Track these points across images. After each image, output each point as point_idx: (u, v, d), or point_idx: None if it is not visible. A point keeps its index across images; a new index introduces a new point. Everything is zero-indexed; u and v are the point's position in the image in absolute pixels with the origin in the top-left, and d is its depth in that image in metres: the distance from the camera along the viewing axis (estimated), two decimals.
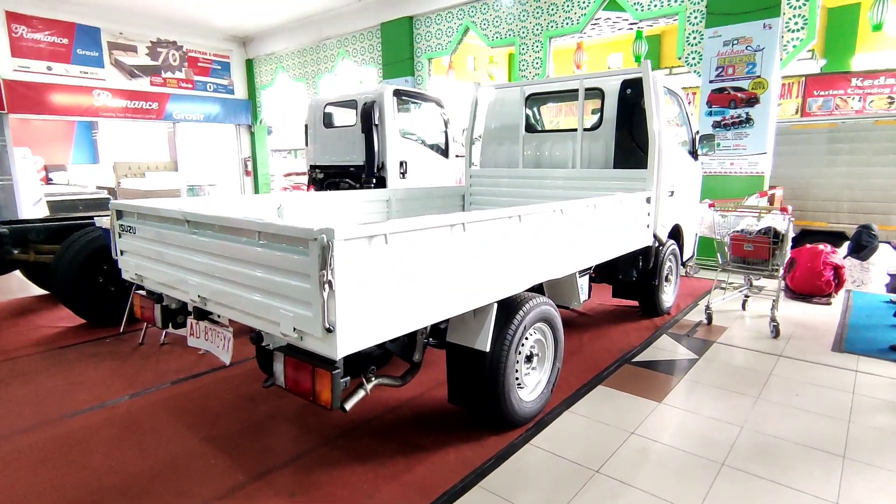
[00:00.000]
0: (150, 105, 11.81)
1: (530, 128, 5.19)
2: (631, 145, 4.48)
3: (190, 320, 2.65)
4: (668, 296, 5.05)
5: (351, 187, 7.42)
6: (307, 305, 1.80)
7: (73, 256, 4.58)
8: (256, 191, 14.00)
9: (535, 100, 5.33)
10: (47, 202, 10.83)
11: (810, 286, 5.44)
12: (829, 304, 5.35)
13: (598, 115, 4.72)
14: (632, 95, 4.46)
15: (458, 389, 2.81)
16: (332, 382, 1.87)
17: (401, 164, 7.34)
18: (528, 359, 2.96)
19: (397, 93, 7.23)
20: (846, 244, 6.42)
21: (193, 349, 4.19)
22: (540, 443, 2.81)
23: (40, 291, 6.20)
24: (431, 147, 7.86)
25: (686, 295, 5.65)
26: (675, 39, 15.64)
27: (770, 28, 6.12)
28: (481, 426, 2.92)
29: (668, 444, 2.80)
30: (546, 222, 2.89)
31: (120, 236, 2.90)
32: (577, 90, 4.76)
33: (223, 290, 2.16)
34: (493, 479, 2.49)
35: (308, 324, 1.81)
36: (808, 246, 5.55)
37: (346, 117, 8.00)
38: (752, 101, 6.35)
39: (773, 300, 4.52)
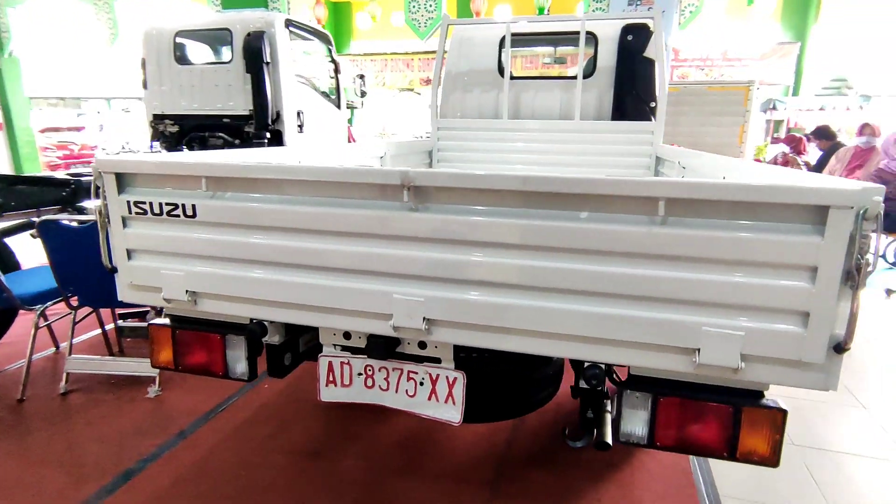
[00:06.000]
0: None
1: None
2: (631, 95, 4.28)
3: (332, 358, 1.53)
4: None
5: (228, 145, 5.78)
6: (791, 317, 1.10)
7: None
8: (14, 153, 10.18)
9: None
10: None
11: None
12: None
13: (591, 62, 4.39)
14: (633, 42, 4.23)
15: None
16: (782, 430, 1.21)
17: (298, 114, 5.98)
18: None
19: (288, 23, 5.76)
20: None
21: (136, 395, 2.70)
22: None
23: None
24: (323, 94, 6.58)
25: None
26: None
27: None
28: (577, 452, 2.30)
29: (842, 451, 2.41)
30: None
31: (125, 225, 1.52)
32: (562, 33, 4.35)
33: (545, 309, 1.22)
34: None
35: (790, 345, 1.10)
36: None
37: (212, 52, 6.14)
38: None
39: None
